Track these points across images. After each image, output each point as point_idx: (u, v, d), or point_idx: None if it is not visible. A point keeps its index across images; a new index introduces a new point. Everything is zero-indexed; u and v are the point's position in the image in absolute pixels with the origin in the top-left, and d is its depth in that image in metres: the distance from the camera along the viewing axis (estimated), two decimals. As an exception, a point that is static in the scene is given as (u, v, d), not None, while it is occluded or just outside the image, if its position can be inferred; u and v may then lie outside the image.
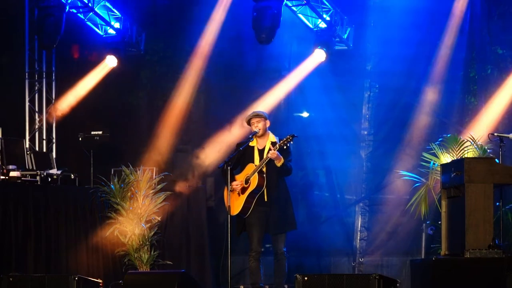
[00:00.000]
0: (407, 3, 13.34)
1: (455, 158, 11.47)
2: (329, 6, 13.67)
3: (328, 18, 13.68)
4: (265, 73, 14.14)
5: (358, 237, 13.93)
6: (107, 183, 12.16)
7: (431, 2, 13.40)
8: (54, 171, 12.65)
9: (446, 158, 11.68)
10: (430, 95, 13.48)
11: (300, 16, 13.69)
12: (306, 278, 9.27)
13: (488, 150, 11.71)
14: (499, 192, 10.25)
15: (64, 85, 14.71)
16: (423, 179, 11.94)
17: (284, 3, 13.10)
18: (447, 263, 9.56)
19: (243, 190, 10.25)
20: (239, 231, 10.37)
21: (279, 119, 13.53)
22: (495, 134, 10.86)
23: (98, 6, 14.01)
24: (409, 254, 13.02)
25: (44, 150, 14.74)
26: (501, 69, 13.18)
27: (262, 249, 10.42)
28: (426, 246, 12.34)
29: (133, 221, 12.04)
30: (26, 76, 14.89)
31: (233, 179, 10.29)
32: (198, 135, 13.91)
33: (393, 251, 13.61)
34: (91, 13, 14.09)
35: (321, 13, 13.64)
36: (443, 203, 10.25)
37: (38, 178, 12.32)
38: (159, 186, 12.26)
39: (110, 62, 14.31)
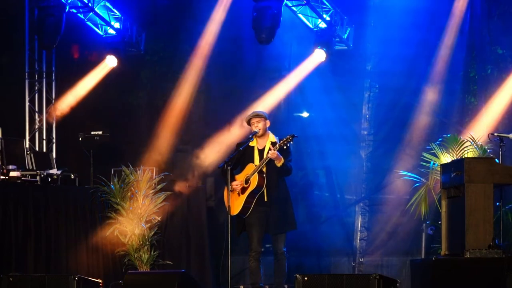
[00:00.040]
0: (407, 3, 13.34)
1: (455, 158, 11.47)
2: (329, 6, 13.67)
3: (328, 18, 13.68)
4: (265, 73, 14.14)
5: (358, 237, 13.93)
6: (107, 183, 12.17)
7: (431, 2, 13.40)
8: (54, 171, 12.65)
9: (446, 158, 11.68)
10: (430, 95, 13.48)
11: (300, 16, 13.69)
12: (306, 278, 9.27)
13: (488, 150, 11.71)
14: (499, 192, 10.25)
15: (64, 85, 14.71)
16: (423, 179, 11.94)
17: (284, 3, 13.10)
18: (447, 263, 9.56)
19: (243, 190, 10.25)
20: (239, 231, 10.37)
21: (279, 119, 13.53)
22: (495, 134, 10.86)
23: (98, 6, 14.01)
24: (409, 254, 13.02)
25: (44, 150, 14.74)
26: (501, 69, 13.18)
27: (262, 249, 10.42)
28: (426, 246, 12.34)
29: (133, 221, 12.04)
30: (26, 76, 14.89)
31: (233, 179, 10.29)
32: (198, 135, 13.91)
33: (393, 251, 13.61)
34: (91, 13, 14.09)
35: (321, 13, 13.64)
36: (443, 203, 10.25)
37: (38, 178, 12.32)
38: (159, 186, 12.27)
39: (110, 62, 14.31)
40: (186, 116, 14.06)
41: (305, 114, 14.45)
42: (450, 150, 11.73)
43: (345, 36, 13.97)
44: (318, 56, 13.69)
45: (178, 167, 13.63)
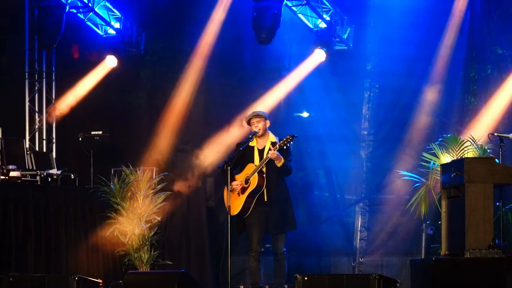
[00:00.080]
0: (407, 3, 13.34)
1: (455, 158, 11.47)
2: (329, 6, 13.67)
3: (328, 18, 13.68)
4: (265, 73, 14.14)
5: (358, 237, 13.93)
6: (107, 183, 12.17)
7: (431, 2, 13.40)
8: (54, 171, 12.65)
9: (446, 158, 11.68)
10: (430, 95, 13.48)
11: (300, 16, 13.69)
12: (306, 278, 9.27)
13: (488, 150, 11.71)
14: (499, 192, 10.25)
15: (64, 85, 14.70)
16: (423, 179, 11.94)
17: (284, 3, 13.10)
18: (447, 263, 9.56)
19: (243, 190, 10.25)
20: (239, 231, 10.37)
21: (279, 119, 13.53)
22: (495, 134, 10.86)
23: (98, 6, 14.00)
24: (409, 254, 13.02)
25: (44, 150, 14.73)
26: (501, 69, 13.18)
27: (262, 249, 10.42)
28: (426, 246, 12.34)
29: (133, 221, 12.04)
30: (26, 76, 14.89)
31: (233, 179, 10.29)
32: (198, 135, 13.90)
33: (393, 251, 13.61)
34: (91, 13, 14.09)
35: (321, 13, 13.64)
36: (443, 203, 10.25)
37: (38, 178, 12.32)
38: (159, 186, 12.27)
39: (110, 62, 14.30)
40: (186, 116, 14.06)
41: (305, 114, 14.45)
42: (450, 150, 11.73)
43: (345, 36, 13.97)
44: (318, 56, 13.69)
45: (178, 167, 13.63)
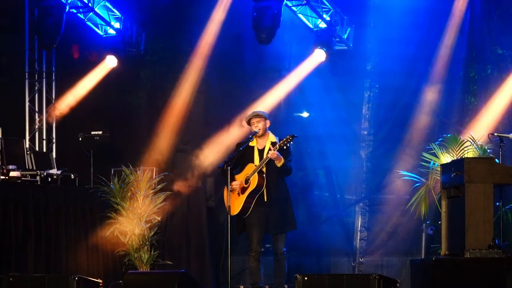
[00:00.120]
0: (407, 3, 13.34)
1: (455, 158, 11.47)
2: (329, 6, 13.66)
3: (328, 18, 13.67)
4: (265, 73, 14.14)
5: (358, 237, 13.93)
6: (107, 183, 12.17)
7: (431, 2, 13.40)
8: (54, 171, 12.65)
9: (446, 158, 11.69)
10: (430, 95, 13.48)
11: (300, 16, 13.69)
12: (306, 278, 9.27)
13: (488, 150, 11.71)
14: (499, 192, 10.25)
15: (64, 85, 14.70)
16: (423, 179, 11.95)
17: (284, 3, 13.09)
18: (447, 263, 9.56)
19: (243, 190, 10.25)
20: (239, 231, 10.37)
21: (279, 119, 13.53)
22: (495, 134, 10.87)
23: (98, 6, 14.00)
24: (409, 254, 13.02)
25: (44, 150, 14.73)
26: (501, 69, 13.18)
27: (262, 249, 10.42)
28: (426, 246, 12.34)
29: (133, 221, 12.04)
30: (26, 76, 14.88)
31: (233, 179, 10.29)
32: (198, 135, 13.91)
33: (393, 251, 13.61)
34: (91, 13, 14.09)
35: (321, 13, 13.64)
36: (443, 203, 10.25)
37: (38, 178, 12.32)
38: (159, 186, 12.27)
39: (110, 62, 14.30)
40: (186, 116, 14.06)
41: (305, 114, 14.44)
42: (450, 150, 11.74)
43: (345, 36, 13.96)
44: (318, 56, 13.69)
45: (178, 167, 13.63)
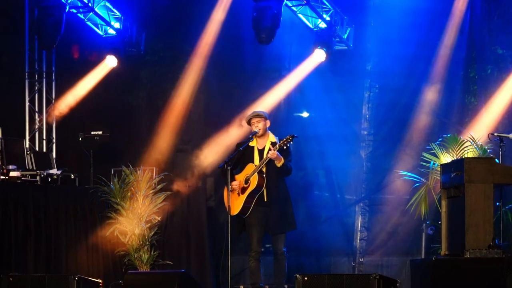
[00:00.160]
0: (407, 3, 13.33)
1: (455, 158, 11.47)
2: (329, 6, 13.66)
3: (328, 18, 13.67)
4: (265, 73, 14.14)
5: (358, 237, 13.93)
6: (107, 183, 12.17)
7: (431, 2, 13.40)
8: (54, 171, 12.65)
9: (446, 158, 11.69)
10: (430, 95, 13.48)
11: (300, 16, 13.69)
12: (306, 278, 9.27)
13: (488, 150, 11.71)
14: (499, 192, 10.25)
15: (64, 85, 14.70)
16: (423, 179, 11.95)
17: (284, 3, 13.09)
18: (447, 263, 9.56)
19: (243, 190, 10.25)
20: (239, 231, 10.37)
21: (279, 119, 13.53)
22: (495, 134, 10.87)
23: (98, 6, 14.00)
24: (409, 254, 13.02)
25: (44, 150, 14.73)
26: (501, 69, 13.18)
27: (262, 249, 10.43)
28: (426, 246, 12.34)
29: (133, 221, 12.04)
30: (26, 76, 14.88)
31: (233, 179, 10.29)
32: (198, 135, 13.91)
33: (393, 251, 13.61)
34: (91, 13, 14.08)
35: (321, 13, 13.64)
36: (443, 203, 10.25)
37: (38, 178, 12.32)
38: (159, 186, 12.27)
39: (110, 62, 14.30)
40: (186, 116, 14.05)
41: (305, 114, 14.44)
42: (450, 150, 11.74)
43: (345, 36, 13.96)
44: (318, 56, 13.69)
45: (178, 167, 13.63)
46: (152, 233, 12.16)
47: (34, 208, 11.76)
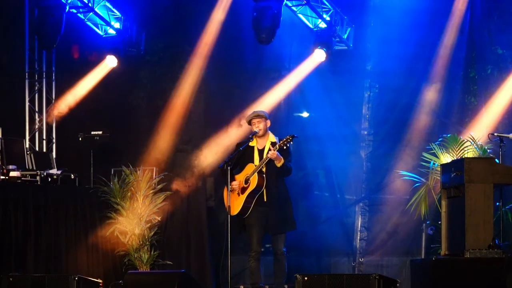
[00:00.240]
0: (407, 3, 13.33)
1: (455, 158, 11.47)
2: (329, 6, 13.66)
3: (328, 18, 13.67)
4: (265, 73, 14.13)
5: (358, 237, 13.92)
6: (107, 183, 12.17)
7: (431, 2, 13.40)
8: (54, 171, 12.65)
9: (446, 158, 11.69)
10: (430, 95, 13.48)
11: (300, 16, 13.69)
12: (306, 278, 9.27)
13: (488, 150, 11.71)
14: (499, 192, 10.26)
15: (64, 85, 14.70)
16: (423, 179, 11.95)
17: (284, 3, 13.09)
18: (447, 263, 9.56)
19: (243, 190, 10.25)
20: (238, 231, 10.37)
21: (279, 119, 13.52)
22: (495, 134, 10.88)
23: (98, 6, 13.99)
24: (409, 254, 13.01)
25: (44, 150, 14.73)
26: (501, 69, 13.17)
27: (262, 249, 10.43)
28: (426, 246, 12.34)
29: (133, 221, 12.05)
30: (26, 76, 14.88)
31: (233, 179, 10.29)
32: (198, 135, 13.91)
33: (393, 251, 13.61)
34: (91, 13, 14.08)
35: (321, 13, 13.64)
36: (443, 203, 10.25)
37: (38, 178, 12.32)
38: (159, 186, 12.28)
39: (110, 62, 14.30)
40: (186, 116, 14.05)
41: (305, 114, 14.44)
42: (450, 150, 11.74)
43: (345, 36, 13.96)
44: (318, 56, 13.68)
45: (178, 167, 13.63)
46: (152, 233, 12.16)
47: (34, 208, 11.76)
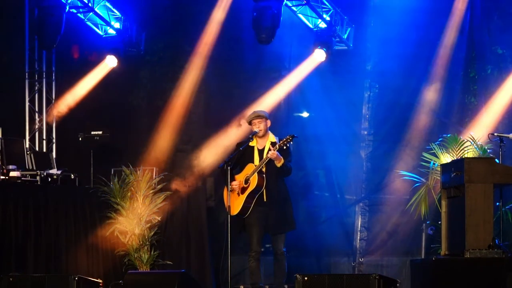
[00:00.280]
0: (407, 3, 13.33)
1: (455, 158, 11.47)
2: (329, 6, 13.66)
3: (328, 18, 13.67)
4: (265, 73, 14.13)
5: (358, 237, 13.92)
6: (107, 183, 12.17)
7: (431, 2, 13.40)
8: (54, 171, 12.65)
9: (446, 158, 11.69)
10: (430, 95, 13.48)
11: (300, 16, 13.69)
12: (306, 278, 9.27)
13: (488, 150, 11.71)
14: (499, 192, 10.26)
15: (64, 85, 14.70)
16: (423, 179, 11.95)
17: (284, 3, 13.09)
18: (447, 263, 9.56)
19: (243, 190, 10.25)
20: (238, 231, 10.37)
21: (279, 119, 13.52)
22: (495, 134, 10.88)
23: (98, 6, 14.00)
24: (409, 254, 13.01)
25: (44, 150, 14.73)
26: (501, 69, 13.18)
27: (262, 249, 10.43)
28: (426, 246, 12.33)
29: (133, 221, 12.05)
30: (26, 76, 14.88)
31: (233, 179, 10.29)
32: (198, 135, 13.91)
33: (393, 251, 13.60)
34: (91, 13, 14.08)
35: (321, 13, 13.64)
36: (443, 203, 10.25)
37: (38, 178, 12.32)
38: (159, 186, 12.28)
39: (110, 62, 14.30)
40: (186, 116, 14.05)
41: (305, 114, 14.44)
42: (450, 150, 11.74)
43: (345, 36, 13.96)
44: (318, 56, 13.68)
45: (178, 167, 13.63)
46: (152, 233, 12.16)
47: (34, 208, 11.76)
